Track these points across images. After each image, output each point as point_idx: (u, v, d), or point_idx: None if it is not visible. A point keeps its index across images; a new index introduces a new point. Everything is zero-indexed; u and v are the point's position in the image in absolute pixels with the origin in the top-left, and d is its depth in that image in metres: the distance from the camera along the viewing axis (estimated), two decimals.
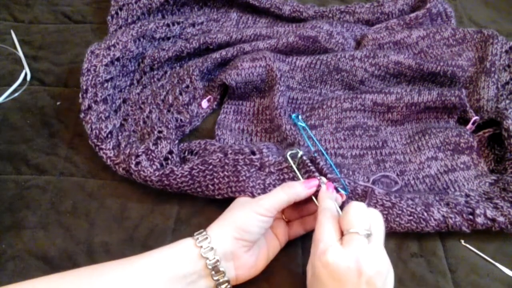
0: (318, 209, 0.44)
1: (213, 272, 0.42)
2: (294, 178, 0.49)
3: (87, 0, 0.80)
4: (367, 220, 0.40)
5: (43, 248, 0.50)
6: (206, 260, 0.42)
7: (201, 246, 0.42)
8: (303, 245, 0.50)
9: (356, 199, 0.50)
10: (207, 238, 0.42)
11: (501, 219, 0.49)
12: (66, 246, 0.50)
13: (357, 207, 0.41)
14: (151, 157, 0.53)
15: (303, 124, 0.58)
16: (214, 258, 0.42)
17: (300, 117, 0.59)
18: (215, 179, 0.50)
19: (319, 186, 0.47)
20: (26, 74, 0.68)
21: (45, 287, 0.39)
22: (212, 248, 0.42)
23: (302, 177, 0.48)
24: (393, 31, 0.70)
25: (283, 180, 0.49)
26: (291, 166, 0.49)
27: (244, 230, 0.43)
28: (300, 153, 0.49)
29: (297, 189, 0.46)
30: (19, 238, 0.51)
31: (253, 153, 0.51)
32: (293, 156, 0.50)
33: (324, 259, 0.38)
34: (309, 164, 0.49)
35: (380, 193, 0.50)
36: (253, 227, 0.43)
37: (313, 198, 0.47)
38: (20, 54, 0.71)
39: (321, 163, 0.49)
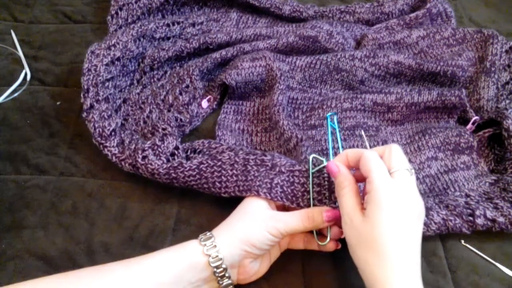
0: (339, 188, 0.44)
1: (218, 279, 0.43)
2: (304, 185, 0.47)
3: (87, 0, 0.80)
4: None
5: (43, 248, 0.50)
6: (214, 269, 0.42)
7: (209, 255, 0.42)
8: None
9: None
10: (215, 246, 0.42)
11: (501, 219, 0.48)
12: (66, 246, 0.50)
13: (397, 149, 0.43)
14: (157, 152, 0.53)
15: (335, 126, 0.55)
16: (222, 267, 0.42)
17: (335, 118, 0.56)
18: (223, 177, 0.49)
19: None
20: (26, 74, 0.68)
21: (47, 287, 0.39)
22: (220, 259, 0.42)
23: (313, 187, 0.47)
24: (393, 31, 0.70)
25: (292, 184, 0.47)
26: (308, 170, 0.47)
27: (255, 246, 0.43)
28: (324, 163, 0.47)
29: (317, 223, 0.45)
30: (19, 238, 0.51)
31: (265, 155, 0.50)
32: (314, 163, 0.48)
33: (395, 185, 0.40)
34: (327, 180, 0.47)
35: None
36: (265, 245, 0.44)
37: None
38: (20, 54, 0.71)
39: None
